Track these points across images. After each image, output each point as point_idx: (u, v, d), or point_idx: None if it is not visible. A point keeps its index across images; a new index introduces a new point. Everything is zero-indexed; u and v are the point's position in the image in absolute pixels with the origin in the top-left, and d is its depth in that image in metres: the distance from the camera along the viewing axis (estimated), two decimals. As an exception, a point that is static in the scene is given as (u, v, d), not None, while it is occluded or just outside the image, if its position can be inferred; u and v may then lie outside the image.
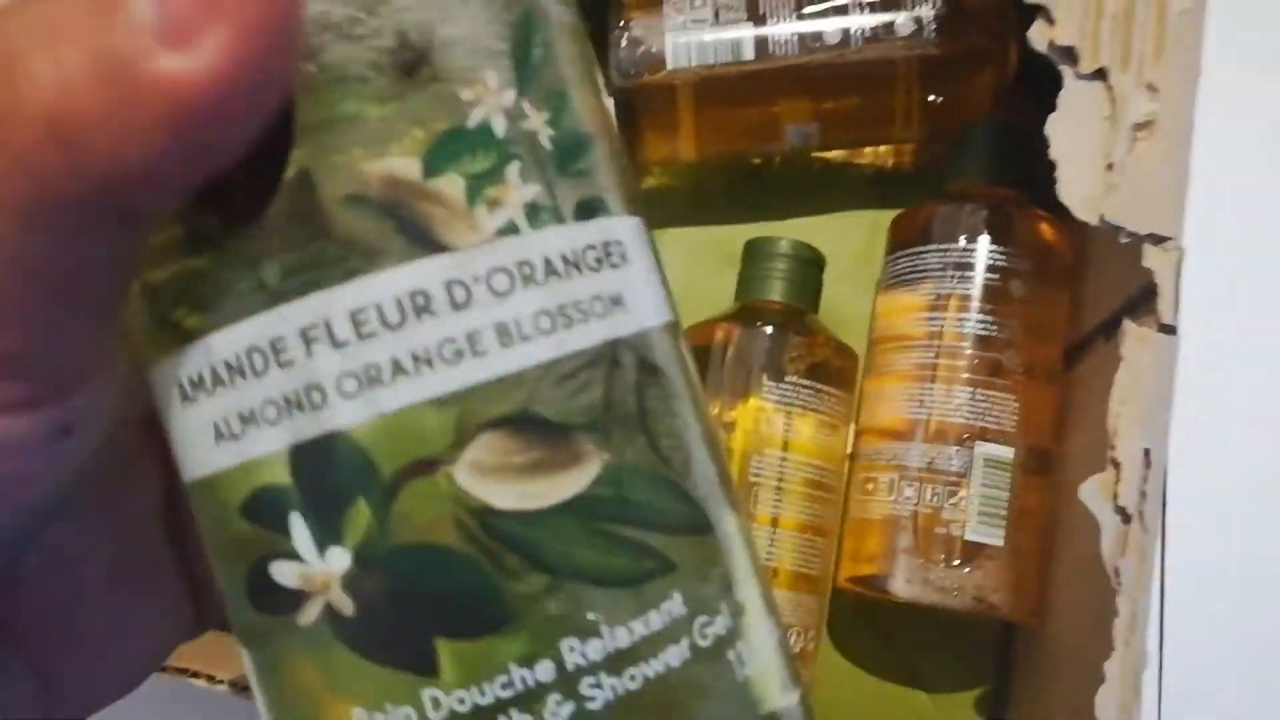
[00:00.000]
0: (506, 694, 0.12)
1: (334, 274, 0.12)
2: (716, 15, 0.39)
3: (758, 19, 0.39)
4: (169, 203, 0.12)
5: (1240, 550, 0.37)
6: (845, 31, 0.38)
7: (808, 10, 0.39)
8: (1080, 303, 0.37)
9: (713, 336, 0.38)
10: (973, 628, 0.39)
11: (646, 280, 0.14)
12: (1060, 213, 0.27)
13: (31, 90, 0.10)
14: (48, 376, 0.13)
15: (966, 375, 0.35)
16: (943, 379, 0.35)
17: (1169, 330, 0.26)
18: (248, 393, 0.12)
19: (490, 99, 0.12)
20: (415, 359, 0.12)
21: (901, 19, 0.38)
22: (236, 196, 0.12)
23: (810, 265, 0.39)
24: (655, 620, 0.12)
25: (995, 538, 0.34)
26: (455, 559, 0.12)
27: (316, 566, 0.12)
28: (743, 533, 0.14)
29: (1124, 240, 0.26)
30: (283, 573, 0.12)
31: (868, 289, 0.41)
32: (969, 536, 0.34)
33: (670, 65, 0.39)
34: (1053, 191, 0.27)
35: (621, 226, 0.14)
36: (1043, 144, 0.27)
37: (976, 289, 0.35)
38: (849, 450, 0.38)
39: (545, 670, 0.12)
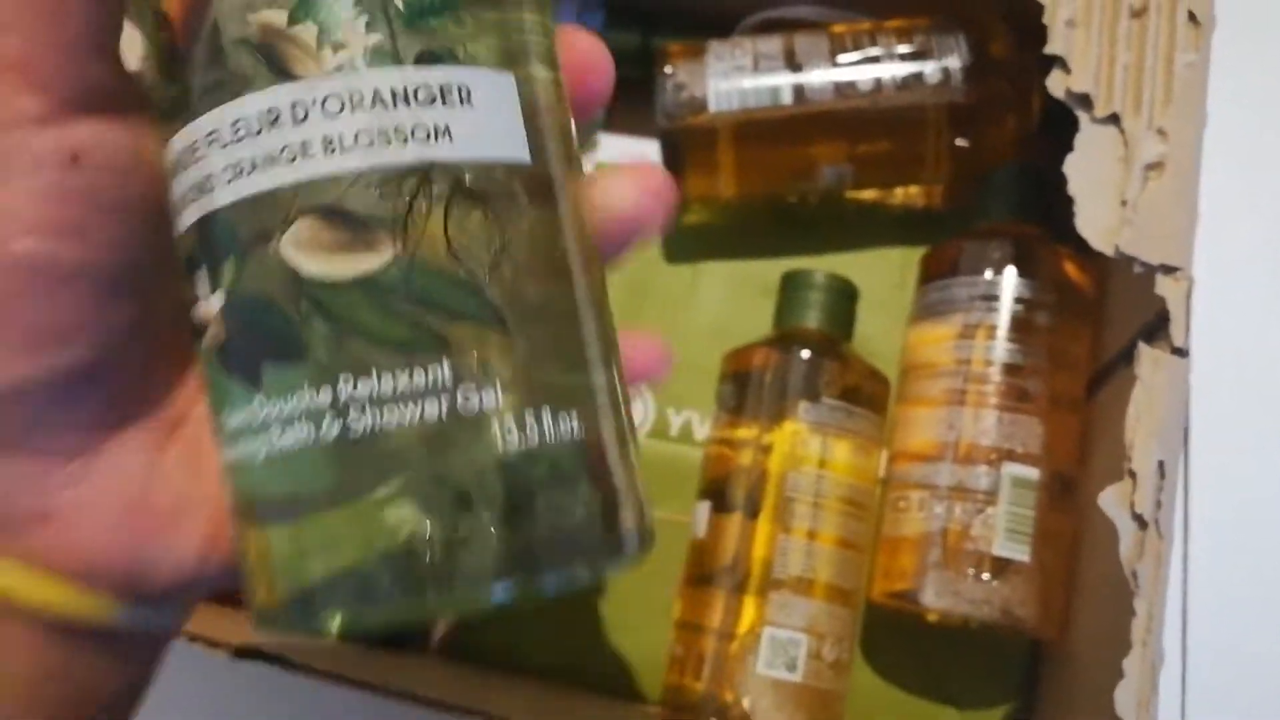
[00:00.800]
0: (299, 408, 0.16)
1: (225, 95, 0.16)
2: (756, 63, 0.42)
3: (794, 67, 0.42)
4: None
5: (1260, 556, 0.39)
6: (877, 80, 0.41)
7: (842, 60, 0.41)
8: (1101, 336, 0.39)
9: (751, 362, 0.40)
10: (1001, 646, 0.40)
11: (489, 124, 0.17)
12: (1082, 250, 0.29)
13: None
14: (52, 93, 0.16)
15: (995, 400, 0.37)
16: (971, 403, 0.37)
17: (1181, 353, 0.28)
18: (183, 180, 0.17)
19: None
20: (267, 158, 0.16)
21: (930, 69, 0.41)
22: (180, 44, 0.17)
23: (844, 296, 0.41)
24: (419, 378, 0.16)
25: (1022, 554, 0.36)
26: (275, 306, 0.16)
27: (210, 305, 0.17)
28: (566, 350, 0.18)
29: (1138, 270, 0.29)
30: (196, 311, 0.17)
31: (898, 323, 0.43)
32: (997, 552, 0.35)
33: (712, 109, 0.42)
34: (1074, 231, 0.29)
35: (472, 76, 0.17)
36: (1061, 182, 0.29)
37: (1003, 319, 0.37)
38: (881, 475, 0.40)
39: (325, 395, 0.16)
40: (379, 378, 0.16)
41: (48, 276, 0.17)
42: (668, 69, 0.42)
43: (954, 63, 0.41)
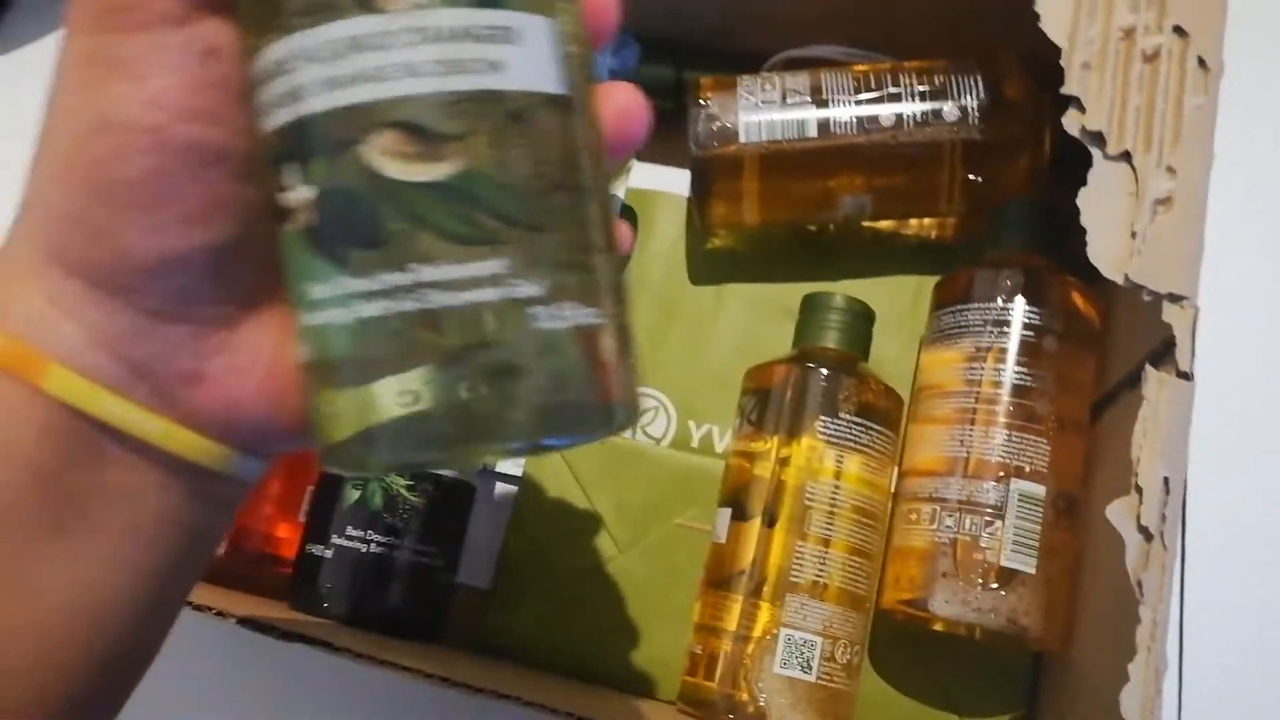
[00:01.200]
0: (378, 286, 0.19)
1: (314, 21, 0.19)
2: (784, 98, 0.44)
3: (821, 103, 0.44)
4: None
5: (1254, 571, 0.41)
6: (898, 116, 0.43)
7: (865, 96, 0.44)
8: (1107, 363, 0.41)
9: (772, 378, 0.42)
10: (1004, 656, 0.42)
11: (533, 60, 0.20)
12: (1089, 282, 0.31)
13: None
14: None
15: (1003, 419, 0.39)
16: (981, 422, 0.39)
17: (1186, 377, 0.30)
18: (275, 89, 0.19)
19: None
20: (354, 77, 0.19)
21: (948, 107, 0.43)
22: None
23: (861, 318, 0.43)
24: (476, 269, 0.19)
25: (1028, 565, 0.37)
26: (361, 200, 0.19)
27: (300, 194, 0.20)
28: (599, 263, 0.21)
29: (1146, 298, 0.31)
30: (284, 198, 0.20)
31: (910, 346, 0.45)
32: (1004, 563, 0.37)
33: (742, 139, 0.44)
34: (1080, 264, 0.31)
35: (519, 19, 0.20)
36: (1074, 214, 0.31)
37: (1013, 343, 0.39)
38: (893, 490, 0.42)
39: (400, 278, 0.19)
40: (443, 265, 0.19)
41: (200, 158, 0.20)
42: (701, 101, 0.45)
43: (971, 102, 0.43)
